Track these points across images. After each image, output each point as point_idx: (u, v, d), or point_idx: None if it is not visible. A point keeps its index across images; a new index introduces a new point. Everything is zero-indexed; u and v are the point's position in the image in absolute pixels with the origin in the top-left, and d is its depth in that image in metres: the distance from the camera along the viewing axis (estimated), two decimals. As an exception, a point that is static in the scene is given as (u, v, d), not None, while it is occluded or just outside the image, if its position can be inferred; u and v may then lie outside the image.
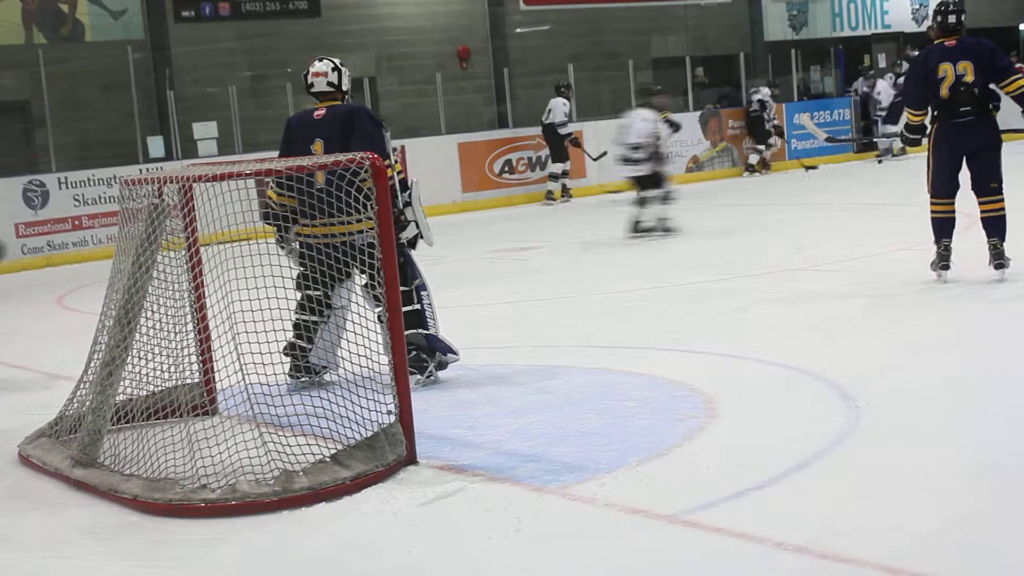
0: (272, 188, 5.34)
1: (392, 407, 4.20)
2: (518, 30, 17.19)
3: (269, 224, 5.32)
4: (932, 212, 6.75)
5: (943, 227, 6.72)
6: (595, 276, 8.46)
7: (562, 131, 14.43)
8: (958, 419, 4.37)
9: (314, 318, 5.21)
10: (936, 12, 6.86)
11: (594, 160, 14.75)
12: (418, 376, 5.30)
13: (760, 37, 18.71)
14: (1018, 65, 13.94)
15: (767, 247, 9.13)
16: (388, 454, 4.09)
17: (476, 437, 4.46)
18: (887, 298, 6.62)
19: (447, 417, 4.76)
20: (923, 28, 19.34)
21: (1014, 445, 3.94)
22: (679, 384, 5.00)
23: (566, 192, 14.74)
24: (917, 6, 19.96)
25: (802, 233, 9.73)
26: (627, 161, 10.51)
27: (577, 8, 17.60)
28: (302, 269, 5.13)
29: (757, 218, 11.34)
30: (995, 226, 6.65)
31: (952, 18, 6.72)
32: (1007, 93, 6.58)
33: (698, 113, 16.35)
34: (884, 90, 16.43)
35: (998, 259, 6.64)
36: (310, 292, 5.11)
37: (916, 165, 9.03)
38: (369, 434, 4.15)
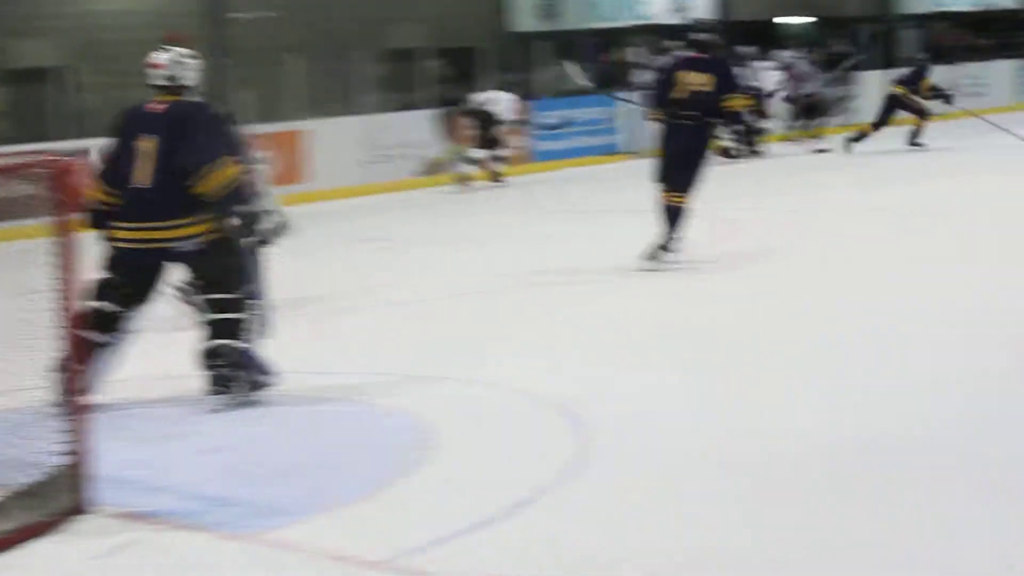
0: (97, 185, 5.33)
1: (60, 445, 4.09)
2: (236, 15, 16.97)
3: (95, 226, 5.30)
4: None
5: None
6: (321, 288, 8.43)
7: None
8: (696, 429, 4.59)
9: (102, 336, 5.13)
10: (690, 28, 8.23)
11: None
12: (227, 396, 5.23)
13: (506, 28, 19.10)
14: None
15: (477, 263, 9.17)
16: (56, 501, 3.98)
17: (164, 478, 4.39)
18: (598, 305, 7.03)
19: (133, 456, 4.66)
20: (683, 21, 20.21)
21: (758, 465, 4.18)
22: (399, 414, 5.06)
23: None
24: (677, -4, 20.82)
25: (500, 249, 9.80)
26: None
27: (303, -9, 17.53)
28: (106, 276, 5.19)
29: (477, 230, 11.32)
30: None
31: (702, 36, 8.32)
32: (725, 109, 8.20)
33: (436, 111, 16.27)
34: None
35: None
36: (104, 305, 5.13)
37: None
38: (37, 478, 4.02)
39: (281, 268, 6.04)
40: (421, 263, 9.13)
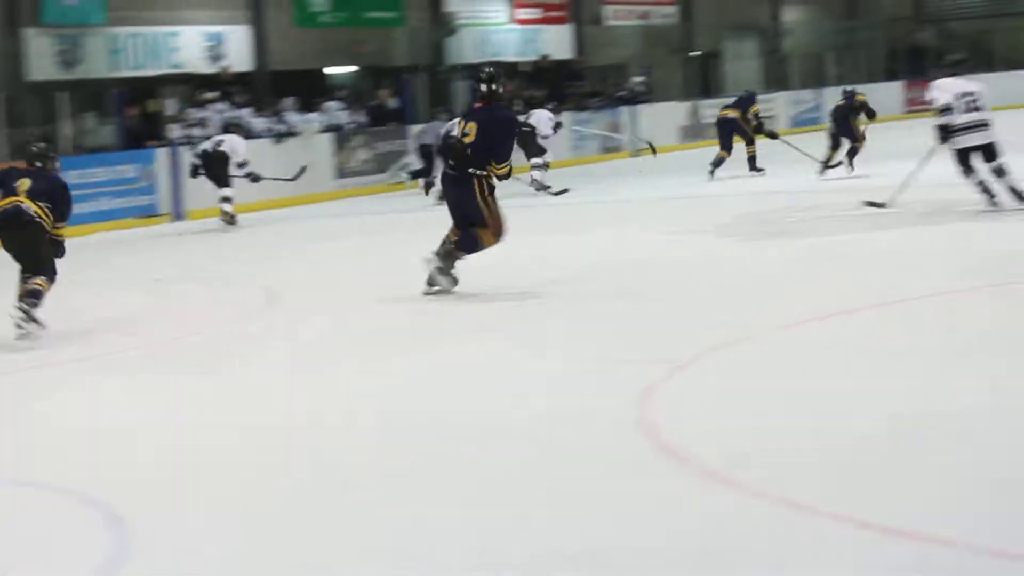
0: None
1: None
2: None
3: None
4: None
5: None
6: None
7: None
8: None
9: None
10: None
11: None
12: None
13: (22, 76, 18.53)
14: None
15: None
16: None
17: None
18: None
19: None
20: (217, 68, 20.29)
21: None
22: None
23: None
24: (211, 43, 20.89)
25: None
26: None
27: None
28: None
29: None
30: (469, 239, 8.91)
31: (484, 87, 8.98)
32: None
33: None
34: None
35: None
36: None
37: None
38: None
39: None
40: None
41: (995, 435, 4.86)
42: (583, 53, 27.46)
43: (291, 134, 19.21)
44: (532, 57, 26.16)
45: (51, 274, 8.60)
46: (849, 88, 17.92)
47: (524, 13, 26.44)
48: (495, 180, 8.92)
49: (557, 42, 27.04)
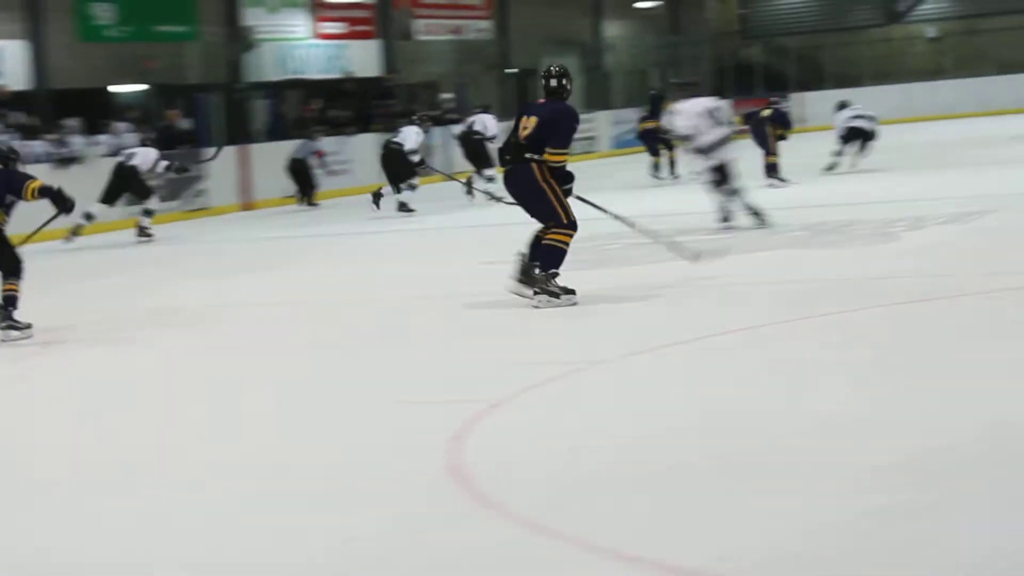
0: None
1: None
2: None
3: None
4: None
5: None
6: None
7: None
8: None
9: None
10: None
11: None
12: None
13: None
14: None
15: None
16: None
17: None
18: None
19: None
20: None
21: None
22: None
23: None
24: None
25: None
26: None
27: None
28: None
29: None
30: (546, 253, 9.16)
31: (554, 82, 9.35)
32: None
33: None
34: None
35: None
36: None
37: None
38: None
39: None
40: None
41: (821, 474, 4.92)
42: (392, 70, 27.45)
43: (74, 159, 18.73)
44: (336, 75, 26.06)
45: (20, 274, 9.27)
46: (774, 98, 18.78)
47: (328, 28, 26.33)
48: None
49: (364, 58, 27.00)
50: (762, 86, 36.89)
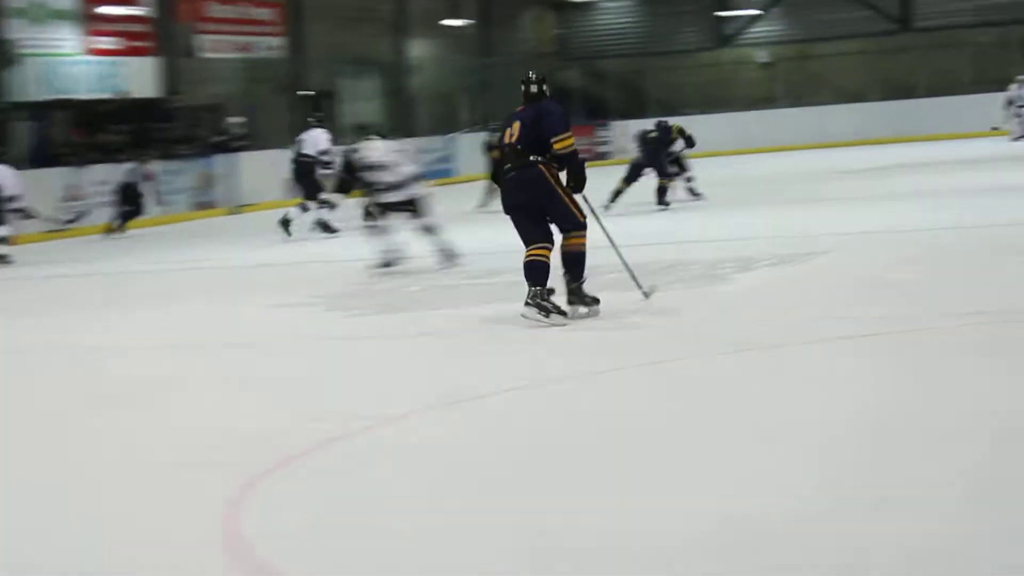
0: None
1: None
2: None
3: None
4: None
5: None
6: None
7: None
8: None
9: None
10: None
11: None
12: None
13: None
14: None
15: None
16: None
17: None
18: None
19: None
20: None
21: None
22: None
23: None
24: None
25: None
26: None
27: None
28: None
29: None
30: (572, 262, 9.82)
31: (534, 88, 10.04)
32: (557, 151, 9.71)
33: None
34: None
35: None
36: None
37: None
38: None
39: None
40: None
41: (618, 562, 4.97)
42: (173, 91, 27.15)
43: None
44: (110, 94, 25.67)
45: None
46: (663, 119, 20.00)
47: (101, 43, 25.95)
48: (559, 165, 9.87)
49: (141, 77, 26.68)
50: (582, 113, 37.44)
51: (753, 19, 42.12)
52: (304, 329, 10.69)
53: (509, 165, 9.87)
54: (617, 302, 10.47)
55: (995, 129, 32.87)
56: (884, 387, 7.15)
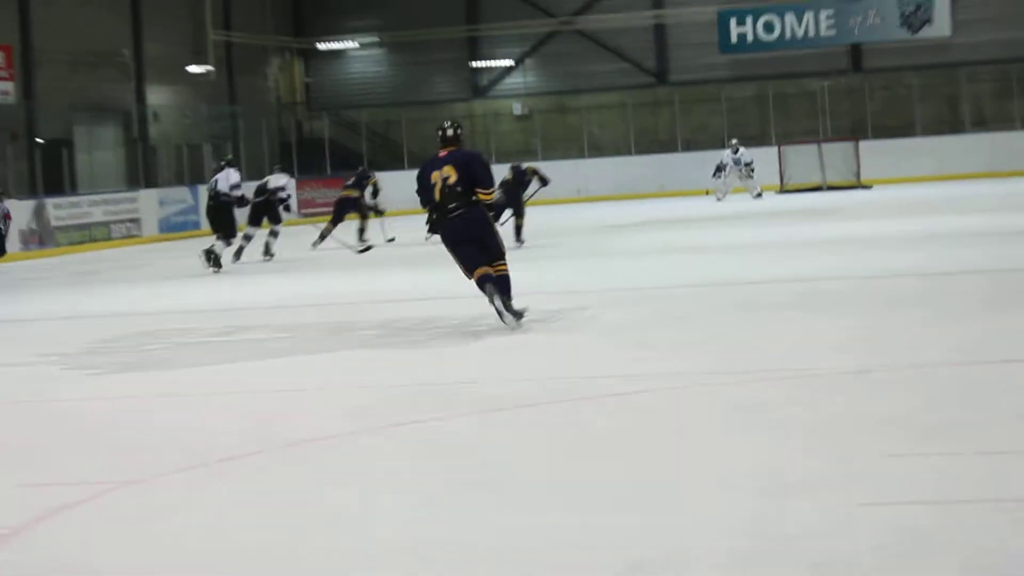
0: None
1: None
2: None
3: None
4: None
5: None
6: None
7: None
8: None
9: None
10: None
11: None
12: None
13: None
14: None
15: None
16: None
17: None
18: None
19: None
20: None
21: None
22: None
23: None
24: None
25: None
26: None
27: None
28: None
29: None
30: (502, 284, 11.70)
31: (450, 132, 12.06)
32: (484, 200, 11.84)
33: None
34: None
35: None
36: None
37: None
38: None
39: None
40: None
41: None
42: None
43: None
44: None
45: None
46: (517, 163, 23.10)
47: None
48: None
49: None
50: (335, 164, 37.35)
51: (508, 70, 42.60)
52: (28, 391, 10.33)
53: (455, 204, 11.67)
54: (363, 359, 10.36)
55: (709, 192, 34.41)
56: (645, 446, 7.14)
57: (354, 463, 7.25)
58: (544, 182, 22.88)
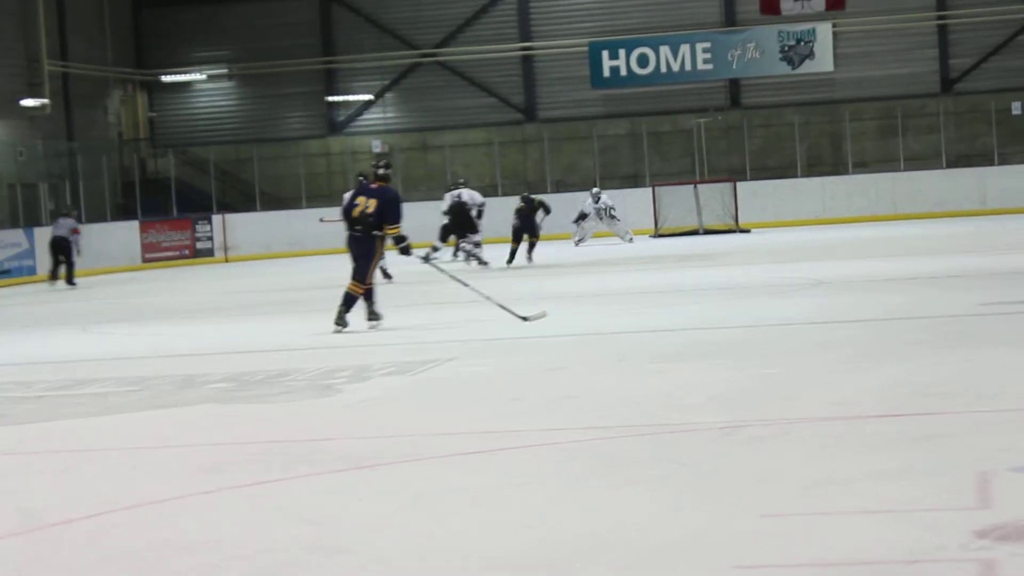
0: None
1: None
2: None
3: None
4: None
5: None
6: None
7: None
8: None
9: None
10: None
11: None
12: None
13: None
14: None
15: None
16: None
17: None
18: None
19: None
20: None
21: None
22: None
23: None
24: None
25: None
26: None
27: None
28: None
29: None
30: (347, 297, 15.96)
31: (382, 170, 16.48)
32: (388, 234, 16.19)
33: None
34: None
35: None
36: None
37: None
38: None
39: None
40: None
41: None
42: None
43: None
44: None
45: None
46: (527, 194, 29.78)
47: None
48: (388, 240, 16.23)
49: None
50: (181, 204, 37.11)
51: (367, 105, 42.59)
52: None
53: (360, 227, 16.03)
54: (225, 414, 10.32)
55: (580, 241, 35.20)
56: (506, 507, 7.18)
57: (201, 525, 7.22)
58: (547, 211, 29.42)
